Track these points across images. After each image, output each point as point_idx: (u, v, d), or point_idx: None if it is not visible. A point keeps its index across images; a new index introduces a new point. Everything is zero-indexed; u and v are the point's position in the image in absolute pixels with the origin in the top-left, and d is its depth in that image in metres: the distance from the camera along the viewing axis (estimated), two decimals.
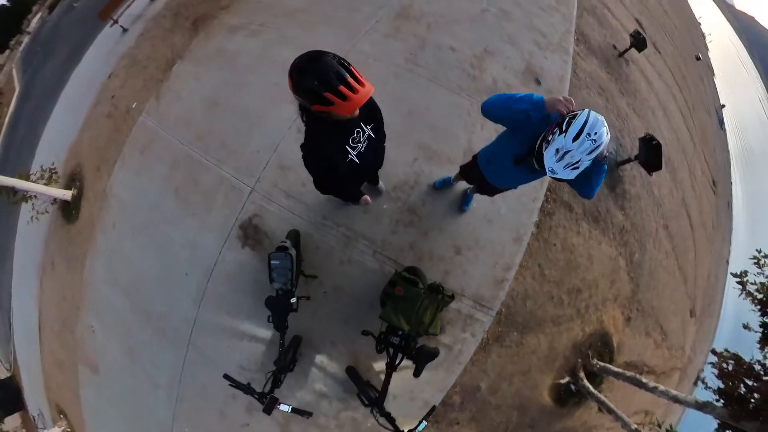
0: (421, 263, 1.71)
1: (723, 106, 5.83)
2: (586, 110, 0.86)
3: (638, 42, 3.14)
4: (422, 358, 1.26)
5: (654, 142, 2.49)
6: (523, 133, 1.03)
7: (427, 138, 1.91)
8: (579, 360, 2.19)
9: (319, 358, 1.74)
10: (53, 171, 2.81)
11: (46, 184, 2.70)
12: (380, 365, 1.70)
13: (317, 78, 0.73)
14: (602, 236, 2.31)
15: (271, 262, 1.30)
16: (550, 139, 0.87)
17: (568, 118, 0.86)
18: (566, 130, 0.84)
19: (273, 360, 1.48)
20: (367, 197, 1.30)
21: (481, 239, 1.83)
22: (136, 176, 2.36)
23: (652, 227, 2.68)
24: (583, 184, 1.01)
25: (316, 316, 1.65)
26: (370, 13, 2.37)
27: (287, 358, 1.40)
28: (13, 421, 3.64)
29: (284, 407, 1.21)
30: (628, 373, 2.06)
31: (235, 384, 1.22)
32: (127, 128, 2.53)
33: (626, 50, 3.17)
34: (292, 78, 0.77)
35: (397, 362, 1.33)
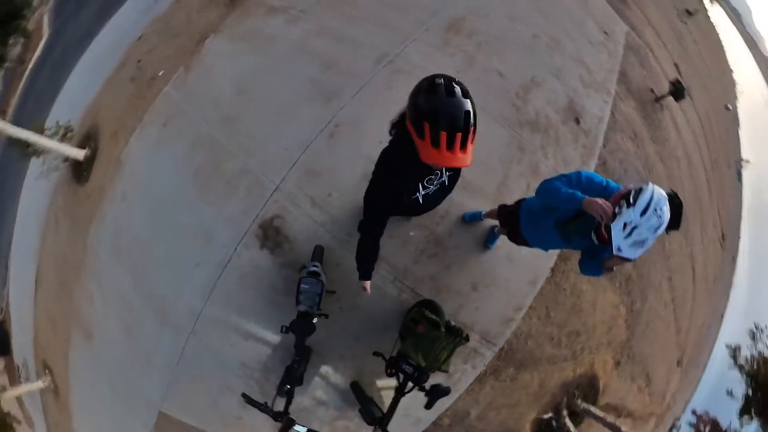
0: (438, 296, 1.71)
1: (747, 161, 5.83)
2: (651, 184, 0.84)
3: (677, 91, 3.11)
4: (436, 395, 1.32)
5: (676, 201, 2.50)
6: (570, 209, 1.03)
7: (464, 168, 1.86)
8: (565, 398, 2.26)
9: (325, 369, 1.76)
10: (69, 128, 2.69)
11: (60, 141, 2.59)
12: (383, 383, 1.73)
13: (450, 108, 0.66)
14: (609, 284, 2.36)
15: (302, 285, 1.29)
16: (617, 212, 0.84)
17: (634, 192, 0.84)
18: (634, 204, 0.82)
19: (284, 366, 1.46)
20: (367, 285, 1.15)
21: (499, 278, 1.85)
22: (155, 149, 2.27)
23: (657, 279, 2.73)
24: (599, 266, 1.01)
25: (329, 330, 1.64)
26: (420, 18, 2.26)
27: (301, 373, 1.41)
28: None
29: (300, 428, 1.23)
30: (609, 419, 2.14)
31: (252, 403, 1.23)
32: (150, 96, 2.41)
33: (663, 96, 3.14)
34: (422, 89, 0.68)
35: (406, 390, 1.38)
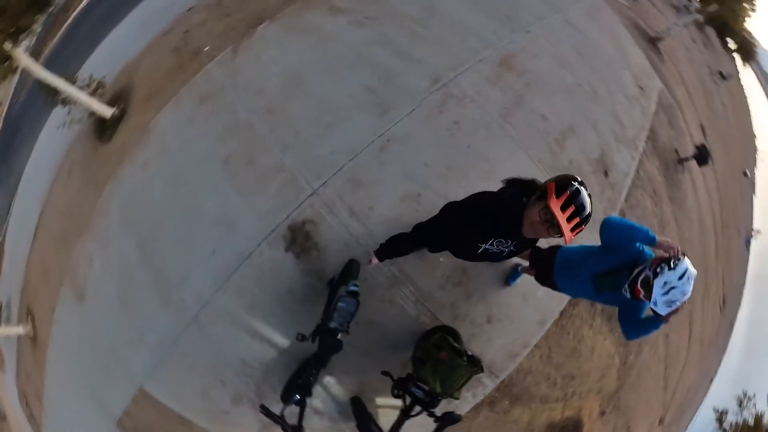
0: (454, 322, 1.72)
1: (758, 231, 6.03)
2: (687, 258, 0.95)
3: (702, 156, 3.22)
4: (446, 422, 1.31)
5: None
6: (614, 256, 1.09)
7: None
8: None
9: (327, 379, 1.73)
10: (101, 84, 2.60)
11: (89, 95, 2.50)
12: (384, 402, 1.71)
13: (577, 187, 0.79)
14: (610, 333, 2.42)
15: (339, 303, 1.27)
16: (658, 271, 0.94)
17: (674, 258, 0.95)
18: (674, 268, 0.92)
19: (288, 372, 1.48)
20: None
21: (513, 314, 1.88)
22: (187, 124, 2.20)
23: (654, 334, 2.80)
24: (638, 326, 1.10)
25: (344, 349, 1.61)
26: (476, 48, 2.30)
27: (311, 383, 1.40)
28: None
29: None
30: None
31: (269, 414, 1.21)
32: (191, 70, 2.35)
33: (687, 159, 3.24)
34: (565, 186, 0.79)
35: (413, 413, 1.37)
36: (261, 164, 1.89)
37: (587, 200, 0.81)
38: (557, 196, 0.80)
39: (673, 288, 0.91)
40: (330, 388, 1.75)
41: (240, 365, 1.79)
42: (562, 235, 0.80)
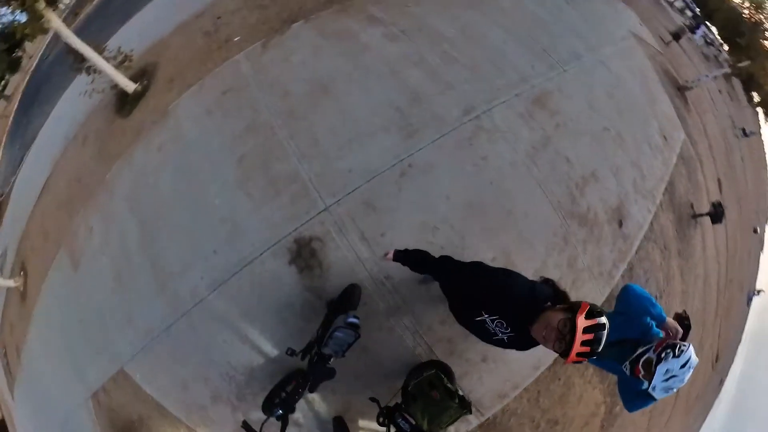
0: (449, 358, 1.69)
1: (761, 291, 6.02)
2: (691, 346, 0.95)
3: (717, 215, 3.17)
4: None
5: (686, 323, 2.57)
6: (624, 325, 1.08)
7: (512, 243, 1.86)
8: None
9: (312, 396, 1.68)
10: (128, 57, 2.55)
11: (115, 67, 2.45)
12: (366, 426, 1.69)
13: (606, 324, 0.78)
14: (599, 383, 2.39)
15: (336, 333, 1.24)
16: (663, 356, 0.93)
17: (679, 345, 0.95)
18: (678, 356, 0.92)
19: (273, 382, 1.44)
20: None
21: (508, 356, 1.84)
22: (206, 114, 2.15)
23: None
24: (638, 397, 1.09)
25: (331, 362, 1.59)
26: (513, 81, 2.25)
27: (294, 400, 1.37)
28: None
29: None
30: None
31: (250, 430, 1.18)
32: (218, 58, 2.30)
33: (701, 215, 3.19)
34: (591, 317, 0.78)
35: None
36: (275, 170, 1.85)
37: (604, 340, 0.80)
38: (587, 317, 0.79)
39: (674, 377, 0.92)
40: (315, 404, 1.73)
41: (225, 366, 1.76)
42: (566, 353, 0.79)
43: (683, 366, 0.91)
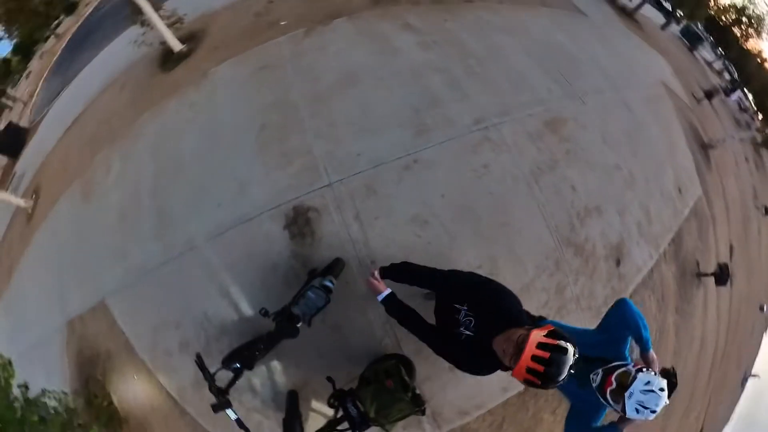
0: (416, 356, 1.65)
1: (755, 376, 5.61)
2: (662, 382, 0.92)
3: (722, 277, 3.04)
4: None
5: (673, 380, 2.43)
6: (601, 342, 1.06)
7: (501, 255, 1.87)
8: None
9: (275, 364, 1.71)
10: (180, 20, 2.83)
11: (167, 26, 2.72)
12: (318, 406, 1.67)
13: (568, 350, 0.73)
14: None
15: (308, 293, 1.26)
16: (644, 370, 0.93)
17: (660, 372, 0.96)
18: (658, 379, 0.91)
19: (241, 340, 1.44)
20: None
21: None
22: (241, 84, 2.33)
23: None
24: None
25: (303, 339, 1.54)
26: (527, 102, 2.33)
27: (257, 361, 1.38)
28: None
29: (231, 414, 1.19)
30: None
31: (202, 366, 1.20)
32: (262, 38, 2.51)
33: (706, 275, 3.07)
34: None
35: (339, 427, 1.32)
36: (291, 143, 1.96)
37: (563, 372, 0.72)
38: (546, 335, 0.74)
39: (651, 392, 0.88)
40: (274, 373, 1.73)
41: (201, 317, 1.81)
42: (513, 367, 0.74)
43: (662, 389, 0.88)
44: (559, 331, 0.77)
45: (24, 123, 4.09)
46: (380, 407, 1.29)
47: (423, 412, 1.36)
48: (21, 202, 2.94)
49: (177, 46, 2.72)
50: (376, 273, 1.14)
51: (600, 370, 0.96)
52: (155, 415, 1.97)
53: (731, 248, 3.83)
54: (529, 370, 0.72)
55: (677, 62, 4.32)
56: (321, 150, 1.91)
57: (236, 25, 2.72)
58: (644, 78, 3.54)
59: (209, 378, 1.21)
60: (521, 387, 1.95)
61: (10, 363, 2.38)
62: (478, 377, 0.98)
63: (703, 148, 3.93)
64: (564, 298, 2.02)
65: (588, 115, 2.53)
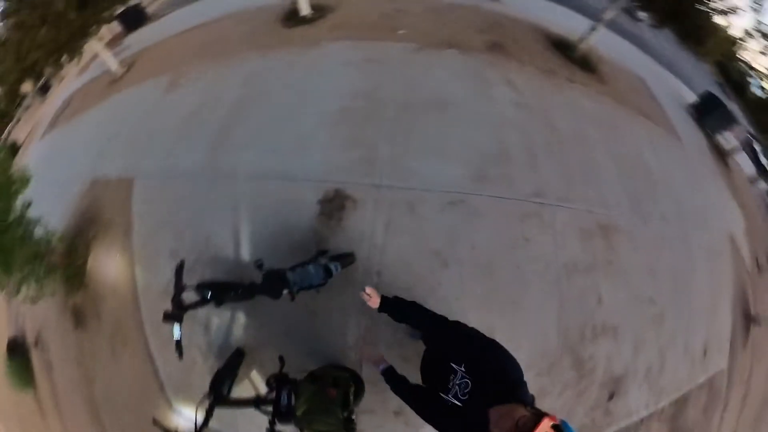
0: (369, 385, 1.52)
1: None
2: None
3: None
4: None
5: None
6: None
7: (500, 331, 1.75)
8: None
9: (239, 315, 1.72)
10: None
11: None
12: (255, 379, 1.64)
13: None
14: None
15: (309, 267, 1.25)
16: None
17: None
18: None
19: (220, 281, 1.49)
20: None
21: (426, 429, 1.70)
22: (344, 65, 2.49)
23: None
24: None
25: (276, 304, 1.46)
26: (592, 199, 2.24)
27: (228, 298, 1.35)
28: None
29: (176, 330, 1.18)
30: None
31: (179, 273, 1.23)
32: (379, 36, 2.70)
33: None
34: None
35: (262, 407, 1.28)
36: (363, 133, 2.06)
37: None
38: (553, 427, 0.69)
39: None
40: (234, 323, 1.73)
41: (202, 238, 1.89)
42: None
43: None
44: (566, 427, 0.71)
45: (149, 10, 4.61)
46: (310, 410, 1.20)
47: None
48: (115, 65, 3.28)
49: (305, 10, 2.98)
50: (372, 292, 1.09)
51: None
52: (113, 297, 2.05)
53: None
54: None
55: (753, 222, 3.96)
56: (386, 152, 1.99)
57: (362, 16, 2.95)
58: (714, 224, 3.30)
59: (178, 288, 1.23)
60: None
61: (28, 180, 2.60)
62: None
63: (747, 320, 3.52)
64: (540, 405, 1.87)
65: (644, 236, 2.40)
